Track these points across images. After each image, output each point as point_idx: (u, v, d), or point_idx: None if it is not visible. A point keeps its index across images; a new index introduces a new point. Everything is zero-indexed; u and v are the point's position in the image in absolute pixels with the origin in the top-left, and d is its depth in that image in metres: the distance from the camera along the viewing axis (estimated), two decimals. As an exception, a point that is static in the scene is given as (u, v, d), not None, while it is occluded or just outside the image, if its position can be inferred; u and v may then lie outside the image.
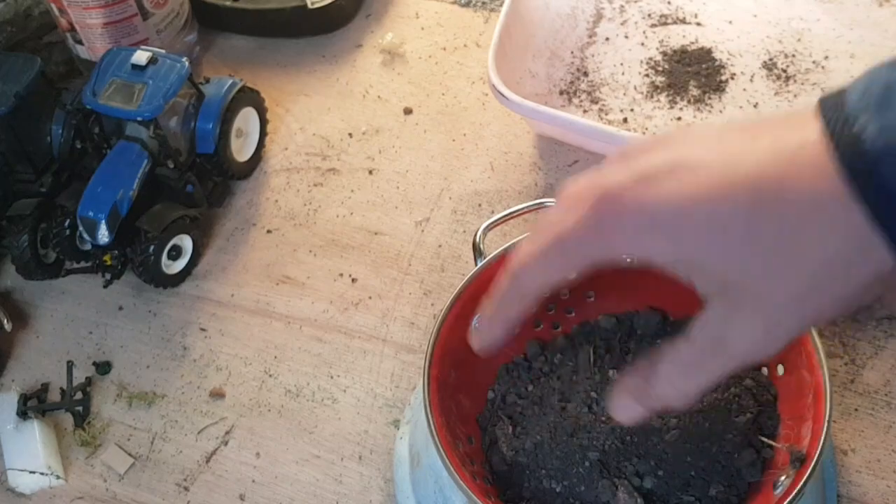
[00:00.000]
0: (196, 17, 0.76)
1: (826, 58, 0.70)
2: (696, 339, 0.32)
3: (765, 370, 0.46)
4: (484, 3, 0.80)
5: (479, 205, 0.65)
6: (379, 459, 0.53)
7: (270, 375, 0.58)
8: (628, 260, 0.48)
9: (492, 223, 0.50)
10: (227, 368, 0.58)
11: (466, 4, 0.80)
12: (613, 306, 0.50)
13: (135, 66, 0.59)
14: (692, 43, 0.72)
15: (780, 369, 0.45)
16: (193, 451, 0.55)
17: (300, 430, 0.55)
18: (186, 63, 0.60)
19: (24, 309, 0.62)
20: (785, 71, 0.70)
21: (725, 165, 0.29)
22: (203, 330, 0.60)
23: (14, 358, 0.60)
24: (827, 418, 0.39)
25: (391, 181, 0.67)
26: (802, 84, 0.69)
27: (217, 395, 0.57)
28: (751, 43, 0.72)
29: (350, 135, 0.71)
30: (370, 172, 0.68)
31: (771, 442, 0.43)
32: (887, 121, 0.28)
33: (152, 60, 0.60)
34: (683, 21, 0.74)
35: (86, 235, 0.58)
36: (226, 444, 0.55)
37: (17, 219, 0.60)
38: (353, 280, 0.62)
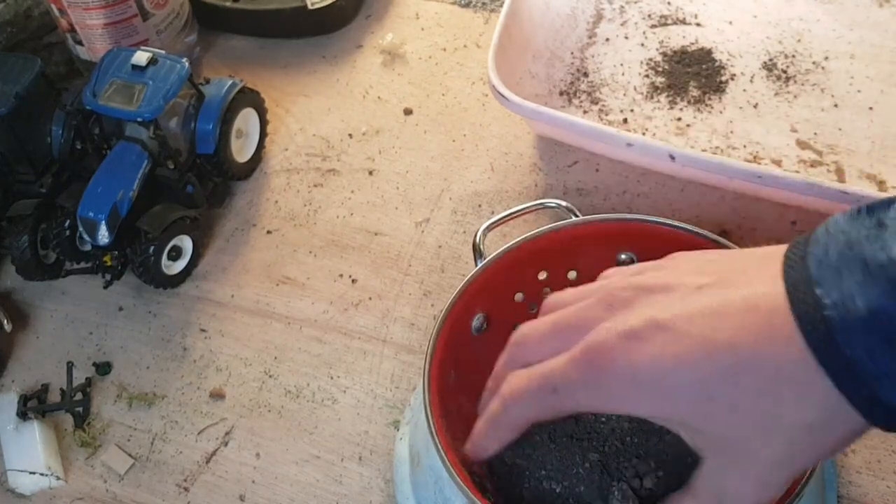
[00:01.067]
0: (196, 17, 0.76)
1: (826, 58, 0.71)
2: (699, 494, 0.34)
3: None
4: (484, 3, 0.80)
5: (479, 205, 0.65)
6: (379, 460, 0.53)
7: (270, 376, 0.58)
8: (627, 260, 0.48)
9: (492, 224, 0.50)
10: (227, 369, 0.58)
11: (466, 5, 0.80)
12: None
13: (135, 67, 0.60)
14: (692, 43, 0.72)
15: None
16: (193, 451, 0.55)
17: (300, 430, 0.55)
18: (186, 64, 0.60)
19: (25, 309, 0.62)
20: (785, 72, 0.70)
21: (703, 333, 0.31)
22: (203, 330, 0.60)
23: (14, 358, 0.60)
24: None
25: (391, 182, 0.67)
26: (802, 85, 0.69)
27: (217, 395, 0.57)
28: (751, 43, 0.72)
29: (350, 135, 0.71)
30: (370, 173, 0.68)
31: None
32: (844, 291, 0.28)
33: (152, 61, 0.60)
34: (683, 22, 0.74)
35: (86, 236, 0.58)
36: (226, 444, 0.55)
37: (18, 219, 0.60)
38: (353, 281, 0.62)
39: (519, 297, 0.49)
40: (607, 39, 0.73)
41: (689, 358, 0.31)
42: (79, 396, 0.57)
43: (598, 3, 0.76)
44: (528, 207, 0.52)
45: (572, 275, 0.49)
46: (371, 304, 0.60)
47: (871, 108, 0.67)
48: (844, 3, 0.74)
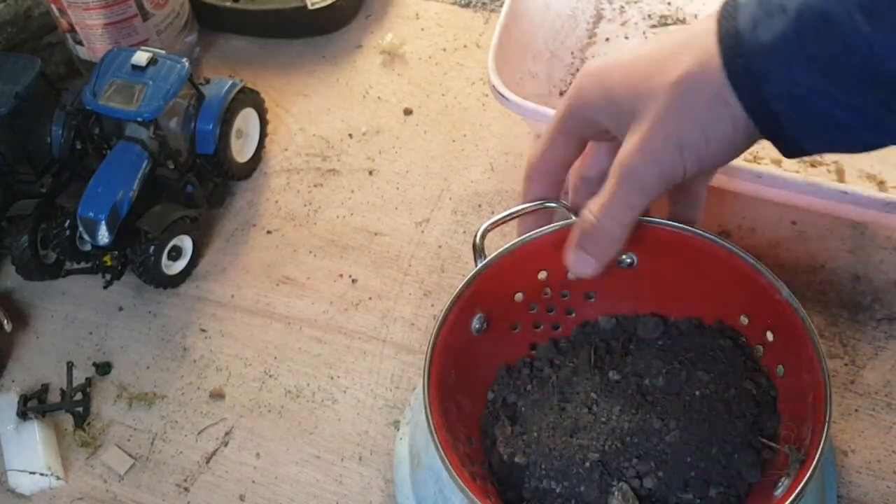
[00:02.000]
0: (196, 17, 0.76)
1: (826, 58, 0.70)
2: (612, 170, 0.41)
3: (765, 370, 0.46)
4: (484, 3, 0.80)
5: (480, 205, 0.65)
6: (379, 460, 0.53)
7: (270, 376, 0.58)
8: (628, 261, 0.49)
9: (492, 224, 0.50)
10: (227, 369, 0.58)
11: (466, 5, 0.80)
12: (614, 307, 0.50)
13: (135, 67, 0.60)
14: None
15: (781, 370, 0.45)
16: (193, 451, 0.55)
17: (300, 430, 0.55)
18: (186, 64, 0.60)
19: (24, 309, 0.62)
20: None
21: (653, 46, 0.40)
22: (203, 330, 0.60)
23: (14, 358, 0.60)
24: (827, 419, 0.39)
25: (391, 182, 0.67)
26: (802, 85, 0.69)
27: (217, 395, 0.57)
28: (751, 44, 0.72)
29: (350, 135, 0.71)
30: (370, 173, 0.68)
31: (771, 443, 0.43)
32: (760, 6, 0.35)
33: (152, 61, 0.60)
34: (683, 22, 0.74)
35: (86, 236, 0.58)
36: (226, 444, 0.55)
37: (18, 219, 0.60)
38: (353, 281, 0.62)
39: (519, 297, 0.49)
40: (607, 39, 0.73)
41: (638, 56, 0.40)
42: (79, 396, 0.57)
43: (598, 3, 0.76)
44: (528, 208, 0.52)
45: (573, 275, 0.49)
46: (371, 304, 0.60)
47: (870, 109, 0.67)
48: (844, 4, 0.74)
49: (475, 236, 0.49)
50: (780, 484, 0.39)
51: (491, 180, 0.66)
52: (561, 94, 0.69)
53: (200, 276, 0.63)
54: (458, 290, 0.46)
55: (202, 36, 0.77)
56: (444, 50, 0.76)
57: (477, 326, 0.47)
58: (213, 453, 0.54)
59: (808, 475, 0.37)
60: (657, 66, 0.38)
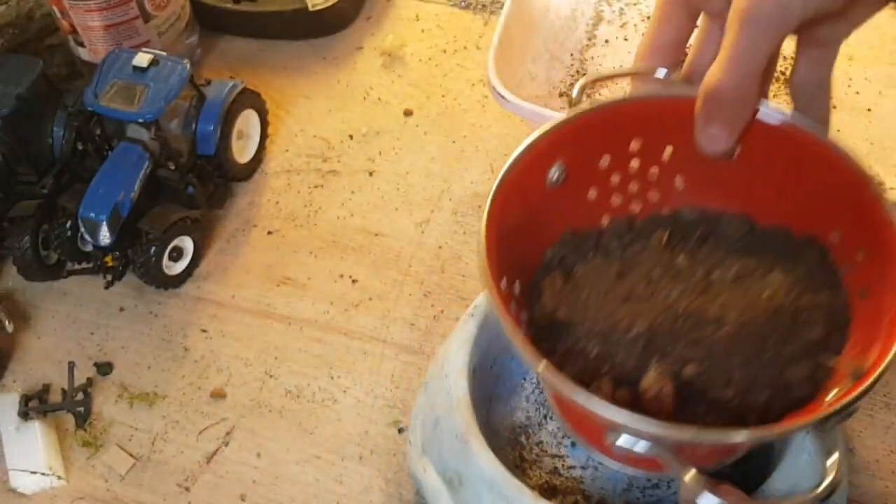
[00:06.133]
0: (197, 19, 0.76)
1: (825, 60, 0.71)
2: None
3: (845, 292, 0.42)
4: (484, 5, 0.80)
5: (480, 206, 0.65)
6: (379, 460, 0.53)
7: (271, 376, 0.58)
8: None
9: (594, 79, 0.45)
10: (227, 369, 0.58)
11: (466, 7, 0.80)
12: (700, 199, 0.46)
13: (136, 68, 0.60)
14: (691, 45, 0.72)
15: (863, 293, 0.41)
16: (194, 451, 0.55)
17: (301, 430, 0.55)
18: (187, 65, 0.61)
19: (26, 310, 0.63)
20: (784, 73, 0.70)
21: None
22: (204, 331, 0.60)
23: (15, 359, 0.60)
24: None
25: (391, 183, 0.68)
26: (801, 86, 0.69)
27: (218, 395, 0.57)
28: (750, 45, 0.72)
29: (350, 136, 0.71)
30: (370, 174, 0.68)
31: (830, 359, 0.39)
32: None
33: (153, 62, 0.60)
34: (683, 23, 0.75)
35: (87, 237, 0.58)
36: (227, 444, 0.55)
37: (19, 220, 0.60)
38: (354, 281, 0.62)
39: (605, 160, 0.45)
40: (606, 41, 0.74)
41: None
42: (80, 396, 0.57)
43: (597, 5, 0.76)
44: (639, 69, 0.46)
45: (668, 151, 0.44)
46: (371, 305, 0.61)
47: (869, 110, 0.67)
48: (843, 5, 0.74)
49: (574, 89, 0.44)
50: (831, 397, 0.35)
51: (491, 181, 0.66)
52: (560, 95, 0.69)
53: (201, 276, 0.63)
54: (541, 132, 0.43)
55: (203, 37, 0.77)
56: (444, 51, 0.77)
57: (553, 178, 0.44)
58: (214, 453, 0.55)
59: (864, 388, 0.34)
60: None
